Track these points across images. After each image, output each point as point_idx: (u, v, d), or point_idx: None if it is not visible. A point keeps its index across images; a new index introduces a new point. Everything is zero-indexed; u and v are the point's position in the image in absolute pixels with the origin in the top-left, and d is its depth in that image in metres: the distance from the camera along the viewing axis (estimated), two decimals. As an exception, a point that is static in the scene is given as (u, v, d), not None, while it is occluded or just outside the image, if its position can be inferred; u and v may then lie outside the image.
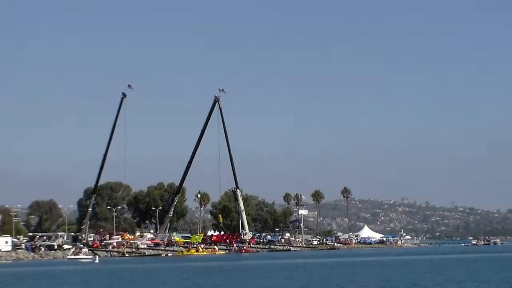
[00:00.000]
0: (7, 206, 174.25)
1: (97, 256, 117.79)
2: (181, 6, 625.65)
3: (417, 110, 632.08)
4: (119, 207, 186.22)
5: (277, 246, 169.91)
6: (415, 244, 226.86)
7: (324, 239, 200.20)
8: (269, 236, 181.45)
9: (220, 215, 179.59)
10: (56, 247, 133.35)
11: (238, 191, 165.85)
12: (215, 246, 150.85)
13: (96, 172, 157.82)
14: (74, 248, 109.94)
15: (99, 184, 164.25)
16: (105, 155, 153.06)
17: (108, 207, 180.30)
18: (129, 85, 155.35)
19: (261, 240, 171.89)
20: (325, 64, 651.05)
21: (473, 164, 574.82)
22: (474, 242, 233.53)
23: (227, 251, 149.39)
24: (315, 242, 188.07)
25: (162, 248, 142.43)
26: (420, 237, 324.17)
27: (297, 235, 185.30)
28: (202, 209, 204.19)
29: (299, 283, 49.59)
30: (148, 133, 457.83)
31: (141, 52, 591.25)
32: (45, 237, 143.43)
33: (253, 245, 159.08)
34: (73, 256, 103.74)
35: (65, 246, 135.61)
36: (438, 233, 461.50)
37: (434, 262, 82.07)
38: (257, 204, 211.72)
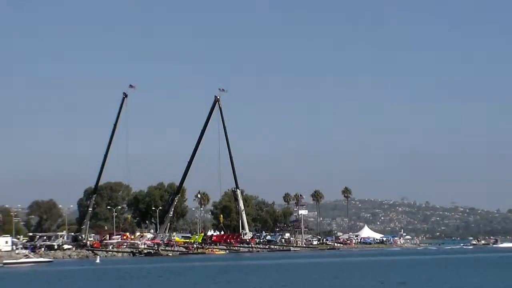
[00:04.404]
0: (7, 206, 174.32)
1: (98, 257, 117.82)
2: (181, 6, 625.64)
3: (417, 111, 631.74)
4: (119, 207, 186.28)
5: (277, 246, 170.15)
6: (415, 244, 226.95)
7: (324, 239, 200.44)
8: (269, 236, 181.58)
9: (220, 215, 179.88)
10: (56, 247, 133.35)
11: (238, 191, 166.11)
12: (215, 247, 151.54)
13: (96, 172, 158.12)
14: None
15: (99, 184, 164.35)
16: (105, 155, 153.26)
17: (108, 207, 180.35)
18: (130, 85, 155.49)
19: (261, 240, 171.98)
20: (325, 64, 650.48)
21: (473, 164, 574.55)
22: (474, 242, 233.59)
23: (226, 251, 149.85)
24: (315, 242, 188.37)
25: (162, 248, 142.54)
26: (420, 237, 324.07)
27: (297, 235, 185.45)
28: (202, 209, 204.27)
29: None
30: (147, 133, 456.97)
31: (141, 52, 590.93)
32: (45, 237, 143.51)
33: (253, 245, 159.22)
34: None
35: (65, 246, 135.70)
36: (438, 233, 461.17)
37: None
38: (257, 204, 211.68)
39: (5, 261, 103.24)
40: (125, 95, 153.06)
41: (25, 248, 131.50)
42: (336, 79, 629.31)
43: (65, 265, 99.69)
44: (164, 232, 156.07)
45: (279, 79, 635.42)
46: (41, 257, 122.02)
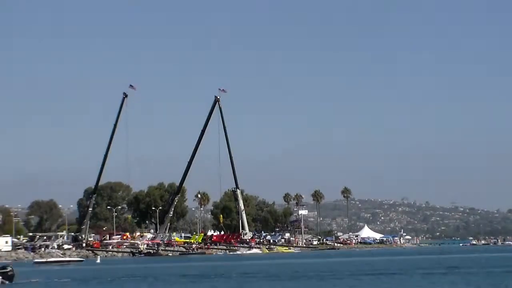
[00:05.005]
0: (7, 206, 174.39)
1: (99, 257, 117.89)
2: (181, 6, 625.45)
3: (417, 110, 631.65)
4: (119, 207, 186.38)
5: (277, 246, 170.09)
6: (415, 244, 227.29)
7: (324, 239, 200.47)
8: (269, 236, 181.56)
9: (220, 215, 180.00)
10: (56, 247, 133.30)
11: (238, 191, 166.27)
12: None
13: (96, 172, 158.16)
14: None
15: (99, 184, 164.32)
16: (105, 155, 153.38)
17: (108, 207, 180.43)
18: (131, 85, 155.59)
19: (261, 240, 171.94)
20: (325, 64, 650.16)
21: (473, 164, 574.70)
22: (474, 242, 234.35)
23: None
24: (315, 242, 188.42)
25: (162, 248, 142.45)
26: (420, 237, 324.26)
27: (297, 235, 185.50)
28: (202, 209, 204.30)
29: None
30: (147, 133, 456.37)
31: (141, 52, 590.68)
32: (45, 237, 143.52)
33: (253, 245, 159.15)
34: None
35: (65, 246, 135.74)
36: (438, 233, 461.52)
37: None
38: (257, 204, 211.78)
39: (36, 260, 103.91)
40: (125, 95, 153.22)
41: (25, 248, 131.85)
42: (336, 79, 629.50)
43: (96, 264, 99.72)
44: (164, 232, 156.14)
45: (279, 79, 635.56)
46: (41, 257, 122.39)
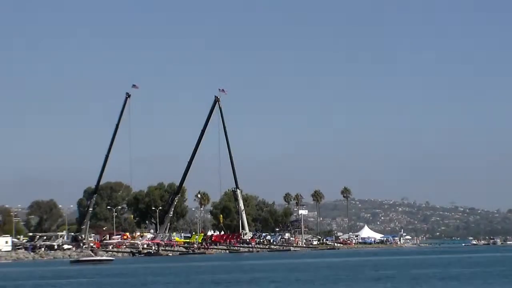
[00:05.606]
0: (7, 206, 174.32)
1: None
2: (181, 6, 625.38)
3: (417, 110, 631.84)
4: (119, 207, 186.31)
5: (277, 246, 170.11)
6: (415, 244, 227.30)
7: (324, 239, 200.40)
8: (269, 236, 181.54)
9: (220, 215, 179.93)
10: (56, 247, 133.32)
11: (238, 191, 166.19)
12: None
13: (96, 172, 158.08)
14: None
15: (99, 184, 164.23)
16: (107, 155, 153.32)
17: (108, 207, 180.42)
18: (133, 85, 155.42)
19: (261, 240, 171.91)
20: (325, 64, 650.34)
21: (473, 164, 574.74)
22: (474, 242, 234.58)
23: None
24: (315, 242, 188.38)
25: (162, 248, 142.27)
26: (420, 237, 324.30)
27: (297, 235, 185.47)
28: (202, 209, 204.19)
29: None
30: (147, 133, 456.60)
31: (141, 52, 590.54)
32: (45, 237, 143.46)
33: (253, 245, 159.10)
34: None
35: (65, 246, 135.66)
36: (438, 233, 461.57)
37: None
38: (257, 204, 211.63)
39: (72, 259, 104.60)
40: (128, 95, 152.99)
41: (25, 248, 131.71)
42: (336, 79, 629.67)
43: (126, 263, 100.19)
44: (164, 232, 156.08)
45: (279, 79, 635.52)
46: (41, 257, 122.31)
